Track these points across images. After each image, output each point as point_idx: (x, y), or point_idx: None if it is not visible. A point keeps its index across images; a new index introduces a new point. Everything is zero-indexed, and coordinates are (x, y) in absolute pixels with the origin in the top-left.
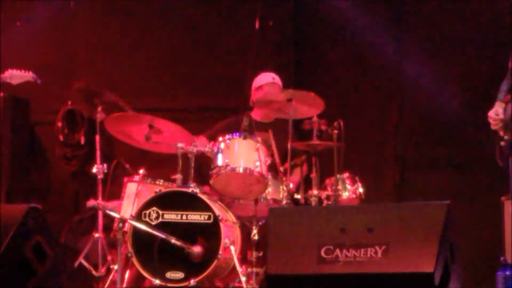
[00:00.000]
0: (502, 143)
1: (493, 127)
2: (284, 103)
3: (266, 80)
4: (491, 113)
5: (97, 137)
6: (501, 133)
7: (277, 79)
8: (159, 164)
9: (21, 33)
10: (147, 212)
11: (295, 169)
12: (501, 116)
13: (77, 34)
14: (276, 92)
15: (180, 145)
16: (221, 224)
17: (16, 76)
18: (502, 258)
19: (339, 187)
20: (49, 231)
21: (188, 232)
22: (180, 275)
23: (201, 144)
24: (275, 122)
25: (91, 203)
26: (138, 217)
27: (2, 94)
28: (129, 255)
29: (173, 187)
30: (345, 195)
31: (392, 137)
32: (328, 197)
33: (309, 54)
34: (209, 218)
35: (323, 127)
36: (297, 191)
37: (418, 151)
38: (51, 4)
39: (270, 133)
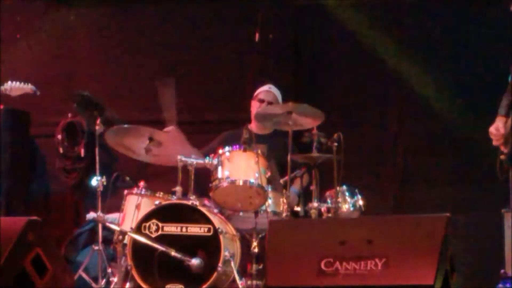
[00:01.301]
0: (502, 157)
1: (494, 143)
2: (283, 115)
3: (262, 89)
4: (492, 129)
5: (96, 150)
6: (502, 148)
7: (274, 89)
8: (159, 176)
9: (21, 45)
10: (147, 224)
11: (295, 181)
12: (502, 131)
13: (77, 47)
14: (272, 99)
15: (180, 157)
16: (221, 237)
17: (15, 88)
18: (502, 271)
19: (339, 199)
20: (49, 243)
21: (188, 244)
22: (179, 287)
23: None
24: (274, 135)
25: (91, 215)
26: (138, 229)
27: (2, 107)
28: (129, 267)
29: (173, 200)
30: (345, 207)
31: (392, 149)
32: (328, 210)
33: (309, 66)
34: (209, 230)
35: (323, 140)
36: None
37: (418, 164)
38: (51, 17)
39: (264, 148)
